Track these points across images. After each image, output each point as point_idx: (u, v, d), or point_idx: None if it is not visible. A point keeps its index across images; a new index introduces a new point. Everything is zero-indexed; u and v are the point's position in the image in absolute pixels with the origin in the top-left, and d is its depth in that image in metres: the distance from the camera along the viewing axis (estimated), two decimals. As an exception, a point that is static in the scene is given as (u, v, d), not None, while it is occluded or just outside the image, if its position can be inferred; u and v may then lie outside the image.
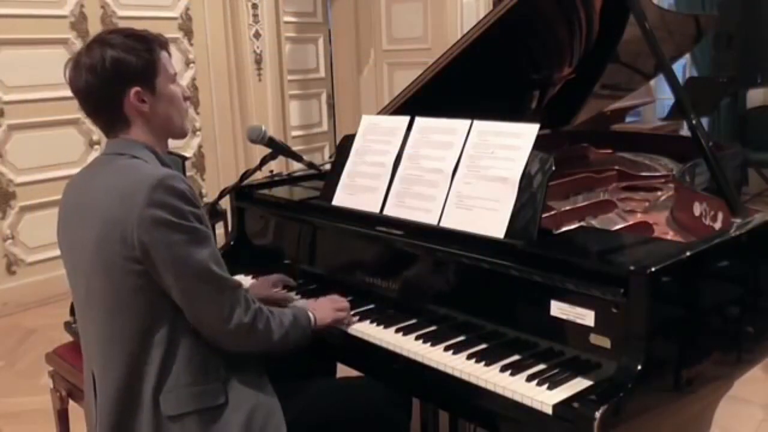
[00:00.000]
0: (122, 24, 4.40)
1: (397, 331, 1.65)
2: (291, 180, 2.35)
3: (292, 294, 1.92)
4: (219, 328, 1.43)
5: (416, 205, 1.74)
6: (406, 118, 1.86)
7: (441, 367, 1.50)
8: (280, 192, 2.24)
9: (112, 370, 1.44)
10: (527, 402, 1.34)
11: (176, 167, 1.58)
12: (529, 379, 1.39)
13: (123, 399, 1.43)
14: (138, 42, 1.47)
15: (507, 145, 1.62)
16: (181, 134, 1.59)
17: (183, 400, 1.41)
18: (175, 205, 1.36)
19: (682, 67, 6.84)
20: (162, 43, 1.52)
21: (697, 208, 1.81)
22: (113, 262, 1.38)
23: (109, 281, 1.41)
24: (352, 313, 1.73)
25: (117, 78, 1.44)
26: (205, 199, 4.97)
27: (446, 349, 1.55)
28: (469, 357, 1.50)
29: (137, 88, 1.46)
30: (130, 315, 1.40)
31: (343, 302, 1.73)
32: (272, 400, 1.50)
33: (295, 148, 2.41)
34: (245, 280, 2.06)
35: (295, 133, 5.77)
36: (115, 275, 1.39)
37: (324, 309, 1.68)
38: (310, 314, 1.63)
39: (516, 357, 1.48)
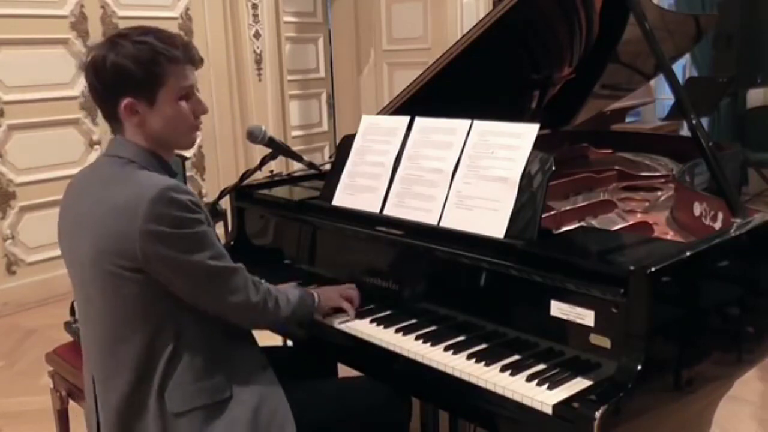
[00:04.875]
0: (122, 24, 4.40)
1: (397, 331, 1.65)
2: (291, 180, 2.35)
3: None
4: (233, 312, 1.48)
5: (416, 205, 1.74)
6: (406, 118, 1.86)
7: (441, 367, 1.50)
8: (280, 192, 2.24)
9: (117, 376, 1.44)
10: (527, 402, 1.34)
11: (177, 167, 1.57)
12: (529, 379, 1.39)
13: (129, 403, 1.43)
14: (146, 51, 1.41)
15: (507, 145, 1.62)
16: (180, 148, 1.56)
17: (188, 396, 1.42)
18: (176, 216, 1.36)
19: (682, 67, 6.84)
20: (176, 56, 1.43)
21: (697, 208, 1.81)
22: (112, 273, 1.38)
23: (107, 291, 1.41)
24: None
25: (113, 84, 1.43)
26: (205, 199, 4.97)
27: (446, 349, 1.55)
28: (469, 357, 1.50)
29: (130, 99, 1.43)
30: (133, 322, 1.40)
31: (351, 291, 1.75)
32: (278, 392, 1.51)
33: (295, 148, 2.41)
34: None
35: (295, 133, 5.77)
36: (114, 286, 1.39)
37: (330, 291, 1.73)
38: (314, 294, 1.68)
39: (516, 357, 1.48)
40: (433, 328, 1.64)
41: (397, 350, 1.59)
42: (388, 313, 1.74)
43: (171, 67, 1.44)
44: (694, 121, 1.69)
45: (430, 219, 1.70)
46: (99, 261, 1.39)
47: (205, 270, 1.41)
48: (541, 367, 1.43)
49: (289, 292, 1.64)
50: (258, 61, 5.26)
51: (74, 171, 1.65)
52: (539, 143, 1.58)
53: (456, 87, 2.16)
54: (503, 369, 1.44)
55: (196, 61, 1.50)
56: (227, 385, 1.45)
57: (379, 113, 2.22)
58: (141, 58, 1.41)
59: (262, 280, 1.57)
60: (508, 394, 1.37)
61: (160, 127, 1.47)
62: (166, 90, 1.45)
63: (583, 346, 1.39)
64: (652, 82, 5.24)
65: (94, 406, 1.52)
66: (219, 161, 5.18)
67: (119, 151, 1.48)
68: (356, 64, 6.09)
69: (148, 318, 1.41)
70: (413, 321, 1.68)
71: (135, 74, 1.41)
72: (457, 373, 1.47)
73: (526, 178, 1.56)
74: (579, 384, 1.35)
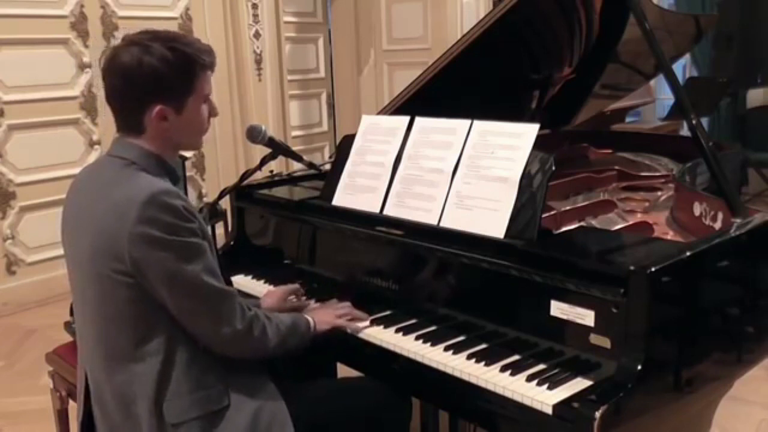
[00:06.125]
0: (122, 24, 4.41)
1: (397, 331, 1.65)
2: (291, 180, 2.35)
3: (311, 302, 1.87)
4: (215, 337, 1.43)
5: (416, 205, 1.74)
6: (406, 118, 1.86)
7: (441, 367, 1.50)
8: (280, 192, 2.24)
9: (108, 376, 1.43)
10: (527, 402, 1.34)
11: (178, 168, 1.56)
12: (529, 379, 1.39)
13: (120, 406, 1.42)
14: (180, 58, 1.39)
15: (507, 145, 1.62)
16: (193, 149, 1.57)
17: (186, 406, 1.40)
18: (166, 221, 1.34)
19: (682, 67, 6.84)
20: (205, 63, 1.44)
21: (697, 208, 1.81)
22: (105, 274, 1.37)
23: (102, 291, 1.40)
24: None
25: (147, 89, 1.39)
26: (205, 199, 4.97)
27: (446, 349, 1.55)
28: (469, 357, 1.50)
29: (162, 106, 1.41)
30: (124, 324, 1.40)
31: (344, 308, 1.72)
32: (276, 399, 1.50)
33: (295, 148, 2.41)
34: (245, 280, 2.07)
35: (295, 133, 5.77)
36: (107, 286, 1.38)
37: (324, 314, 1.69)
38: (309, 319, 1.63)
39: (516, 357, 1.48)
40: (433, 328, 1.64)
41: (397, 350, 1.59)
42: (388, 313, 1.74)
43: (201, 74, 1.44)
44: (694, 121, 1.69)
45: (430, 219, 1.70)
46: (94, 260, 1.39)
47: (193, 284, 1.37)
48: (541, 367, 1.43)
49: (280, 320, 1.56)
50: (258, 61, 5.26)
51: (74, 171, 1.64)
52: (539, 143, 1.58)
53: (456, 87, 2.16)
54: (503, 369, 1.44)
55: (215, 67, 1.50)
56: (224, 394, 1.44)
57: (379, 113, 2.22)
58: (177, 64, 1.39)
59: (251, 308, 1.50)
60: (508, 394, 1.37)
61: (183, 132, 1.47)
62: (195, 97, 1.45)
63: (583, 346, 1.39)
64: (652, 82, 5.24)
65: (84, 399, 1.52)
66: (219, 161, 5.18)
67: (122, 152, 1.46)
68: (356, 64, 6.09)
69: (137, 324, 1.39)
70: (413, 321, 1.68)
71: (170, 80, 1.39)
72: (457, 373, 1.47)
73: (526, 178, 1.56)
74: (579, 384, 1.36)
